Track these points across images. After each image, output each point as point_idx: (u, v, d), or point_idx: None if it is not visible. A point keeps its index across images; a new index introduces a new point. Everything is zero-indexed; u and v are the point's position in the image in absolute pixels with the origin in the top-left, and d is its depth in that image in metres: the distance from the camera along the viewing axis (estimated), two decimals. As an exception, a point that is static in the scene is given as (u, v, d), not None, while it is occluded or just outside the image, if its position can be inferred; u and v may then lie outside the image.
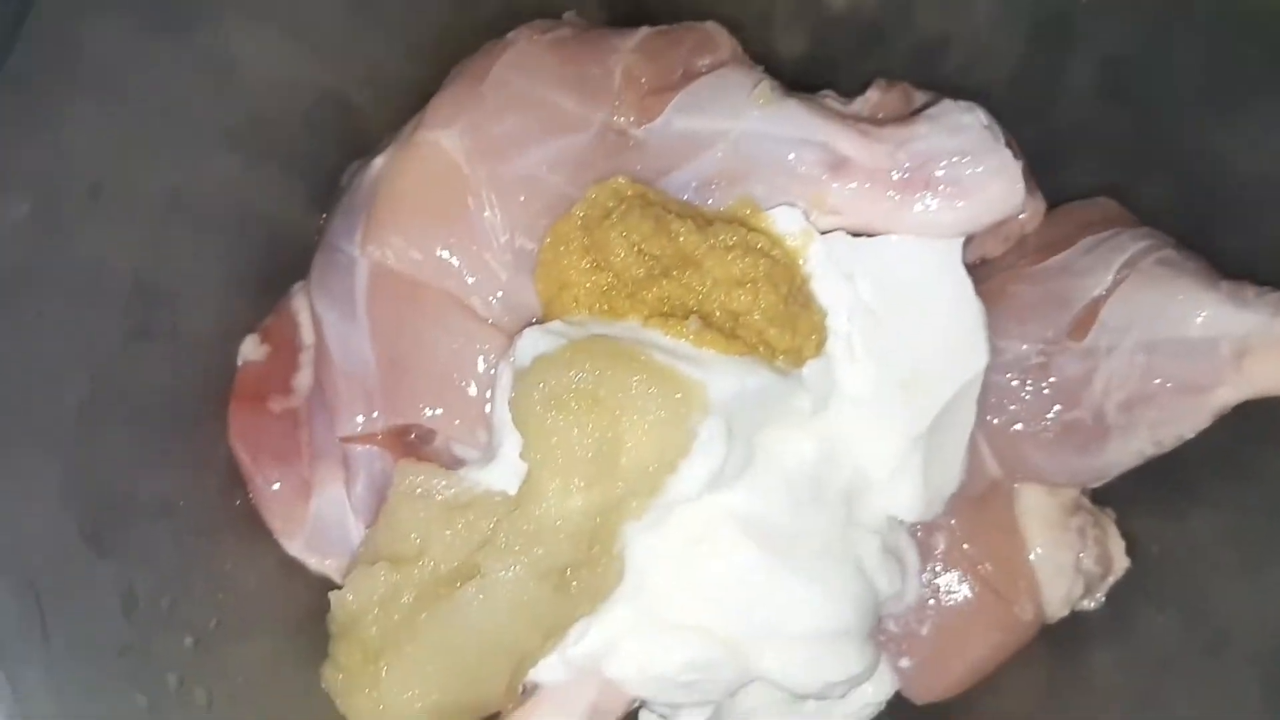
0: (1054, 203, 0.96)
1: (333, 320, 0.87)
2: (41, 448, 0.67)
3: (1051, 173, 0.93)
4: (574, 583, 0.81)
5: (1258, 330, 0.82)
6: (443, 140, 0.87)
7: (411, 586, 0.82)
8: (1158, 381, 0.86)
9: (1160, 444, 0.88)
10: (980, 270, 0.92)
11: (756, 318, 0.83)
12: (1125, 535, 0.96)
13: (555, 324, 0.83)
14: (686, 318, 0.82)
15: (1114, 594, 0.96)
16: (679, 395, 0.78)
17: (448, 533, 0.82)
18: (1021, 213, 0.93)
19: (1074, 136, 0.94)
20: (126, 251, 0.75)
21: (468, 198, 0.86)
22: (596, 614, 0.84)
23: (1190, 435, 0.87)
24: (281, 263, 0.92)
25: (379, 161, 0.90)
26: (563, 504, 0.79)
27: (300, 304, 0.90)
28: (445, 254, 0.86)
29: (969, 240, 0.91)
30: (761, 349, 0.83)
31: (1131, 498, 0.96)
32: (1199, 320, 0.84)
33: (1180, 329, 0.85)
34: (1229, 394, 0.84)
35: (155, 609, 0.72)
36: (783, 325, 0.84)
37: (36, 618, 0.63)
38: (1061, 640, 0.96)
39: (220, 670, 0.75)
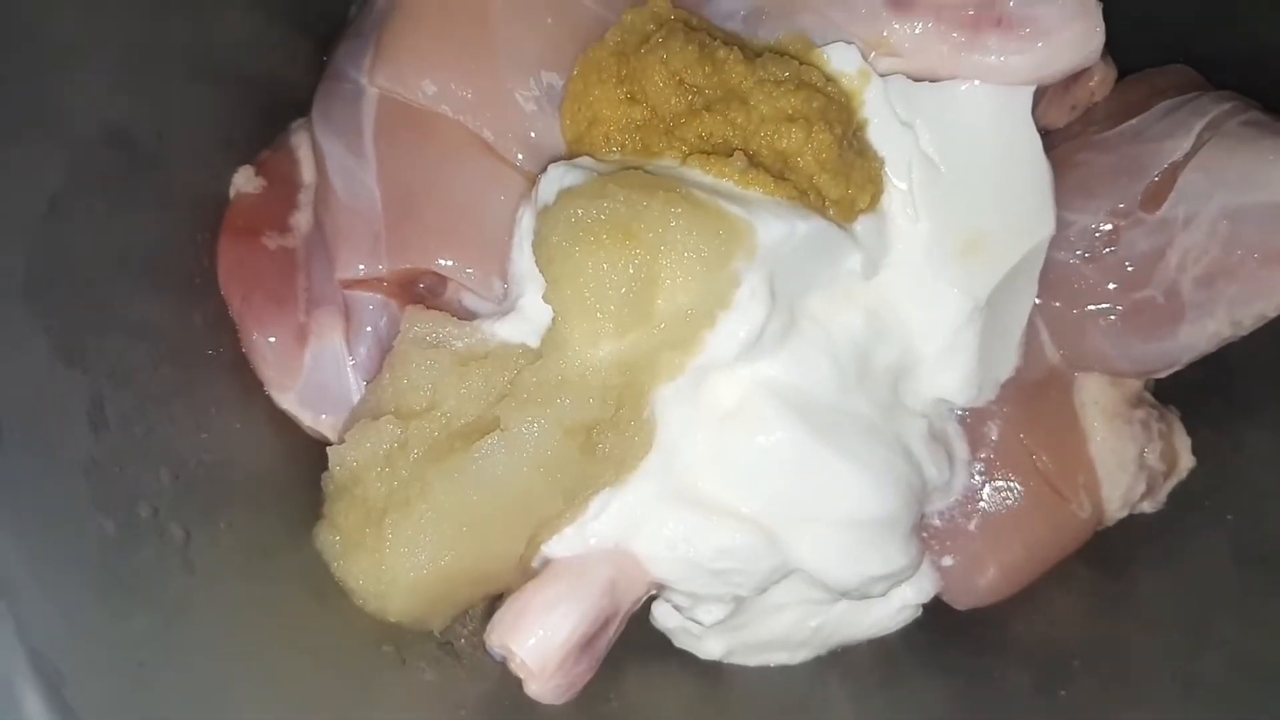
0: (1123, 72, 0.88)
1: (337, 154, 0.79)
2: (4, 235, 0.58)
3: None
4: (600, 444, 0.72)
5: (1357, 187, 0.74)
6: (463, -44, 0.78)
7: (421, 441, 0.74)
8: (1241, 252, 0.79)
9: (1239, 324, 0.81)
10: (1044, 142, 0.84)
11: (808, 160, 0.75)
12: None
13: (584, 159, 0.75)
14: (730, 155, 0.73)
15: (1165, 514, 0.87)
16: (722, 233, 0.70)
17: (463, 385, 0.74)
18: (1093, 79, 0.86)
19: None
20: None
21: (490, 20, 0.78)
22: (621, 486, 0.75)
23: (1273, 314, 0.80)
24: (282, 99, 0.82)
25: (388, -12, 0.81)
26: (590, 352, 0.71)
27: (300, 140, 0.82)
28: (463, 84, 0.78)
29: (1034, 104, 0.82)
30: (812, 196, 0.75)
31: (1186, 417, 0.88)
32: (1291, 181, 0.76)
33: (1269, 192, 0.78)
34: (1322, 264, 0.76)
35: (128, 434, 0.64)
36: (836, 172, 0.76)
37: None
38: (1109, 559, 0.88)
39: (201, 512, 0.66)
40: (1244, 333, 0.82)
